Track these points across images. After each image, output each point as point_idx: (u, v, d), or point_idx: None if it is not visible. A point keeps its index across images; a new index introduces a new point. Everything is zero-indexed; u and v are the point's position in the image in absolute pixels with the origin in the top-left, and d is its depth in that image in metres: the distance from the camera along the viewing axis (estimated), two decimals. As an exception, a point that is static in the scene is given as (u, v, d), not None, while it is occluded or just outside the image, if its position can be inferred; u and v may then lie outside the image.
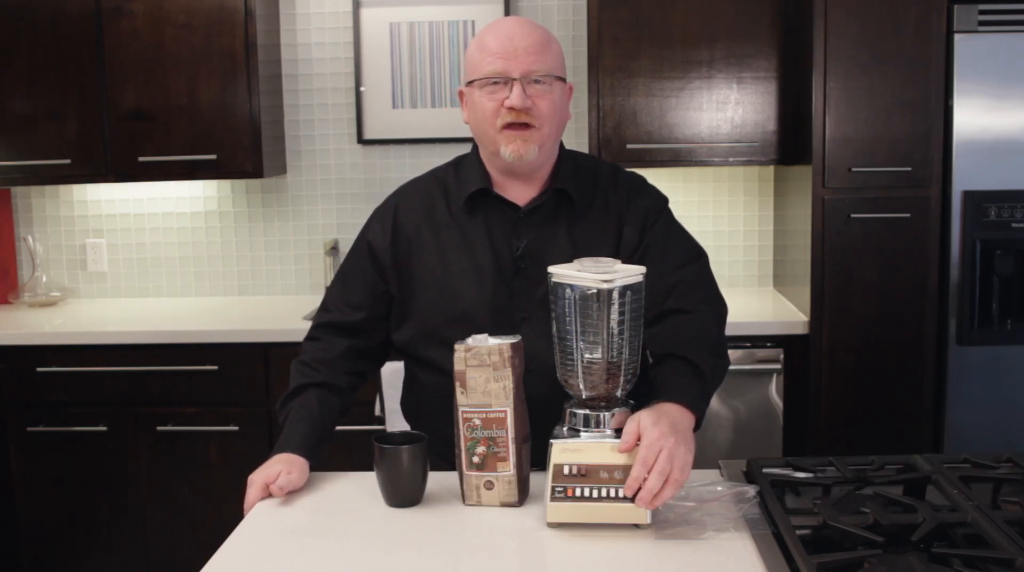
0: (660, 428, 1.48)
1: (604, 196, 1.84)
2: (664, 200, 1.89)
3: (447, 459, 1.76)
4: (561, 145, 1.87)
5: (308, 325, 3.12)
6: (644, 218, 1.83)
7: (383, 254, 1.86)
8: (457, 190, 1.85)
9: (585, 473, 1.50)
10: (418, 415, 1.94)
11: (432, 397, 1.84)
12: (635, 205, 1.83)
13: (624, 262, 1.75)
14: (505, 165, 1.78)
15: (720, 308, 1.81)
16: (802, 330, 2.97)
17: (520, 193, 1.83)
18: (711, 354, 1.69)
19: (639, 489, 1.45)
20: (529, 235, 1.80)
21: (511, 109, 1.72)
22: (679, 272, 1.78)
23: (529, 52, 1.73)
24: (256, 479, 1.67)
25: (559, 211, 1.82)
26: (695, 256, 1.83)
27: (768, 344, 2.98)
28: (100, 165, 3.30)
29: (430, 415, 1.86)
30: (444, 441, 1.69)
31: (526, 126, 1.73)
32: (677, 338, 1.69)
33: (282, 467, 1.68)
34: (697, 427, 1.62)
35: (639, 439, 1.49)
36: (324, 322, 1.93)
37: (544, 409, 1.63)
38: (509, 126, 1.73)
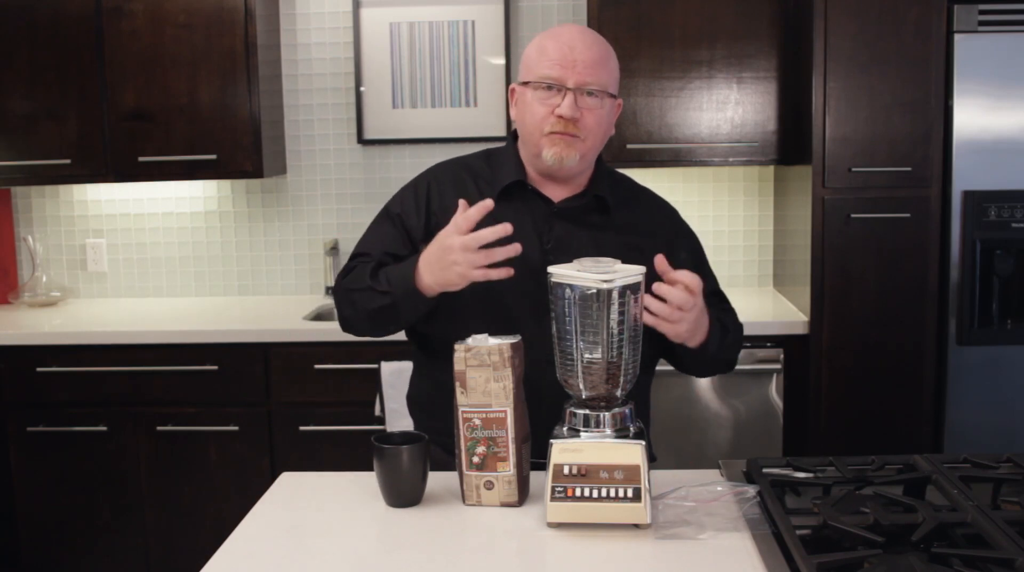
0: (700, 302, 1.64)
1: (648, 217, 1.92)
2: (699, 241, 2.03)
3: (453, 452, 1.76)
4: (600, 159, 1.90)
5: (308, 325, 3.15)
6: (697, 254, 1.95)
7: (415, 231, 1.87)
8: (490, 179, 1.88)
9: (585, 473, 1.50)
10: (430, 406, 1.93)
11: (449, 386, 1.83)
12: (691, 243, 1.96)
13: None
14: (545, 167, 1.81)
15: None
16: (802, 330, 2.97)
17: (555, 192, 1.86)
18: (735, 342, 1.88)
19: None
20: (561, 230, 1.82)
21: (560, 118, 1.75)
22: (721, 305, 1.95)
23: (587, 65, 1.75)
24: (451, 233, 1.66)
25: (592, 215, 1.85)
26: (728, 302, 1.99)
27: (768, 344, 2.98)
28: (100, 165, 3.30)
29: (443, 406, 1.86)
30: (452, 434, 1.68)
31: (571, 136, 1.77)
32: (720, 314, 1.84)
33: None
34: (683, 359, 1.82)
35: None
36: (362, 261, 1.89)
37: (562, 400, 1.63)
38: (554, 132, 1.77)
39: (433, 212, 1.87)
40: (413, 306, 1.75)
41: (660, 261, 1.61)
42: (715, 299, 1.95)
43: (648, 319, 1.59)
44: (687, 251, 1.92)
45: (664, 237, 1.89)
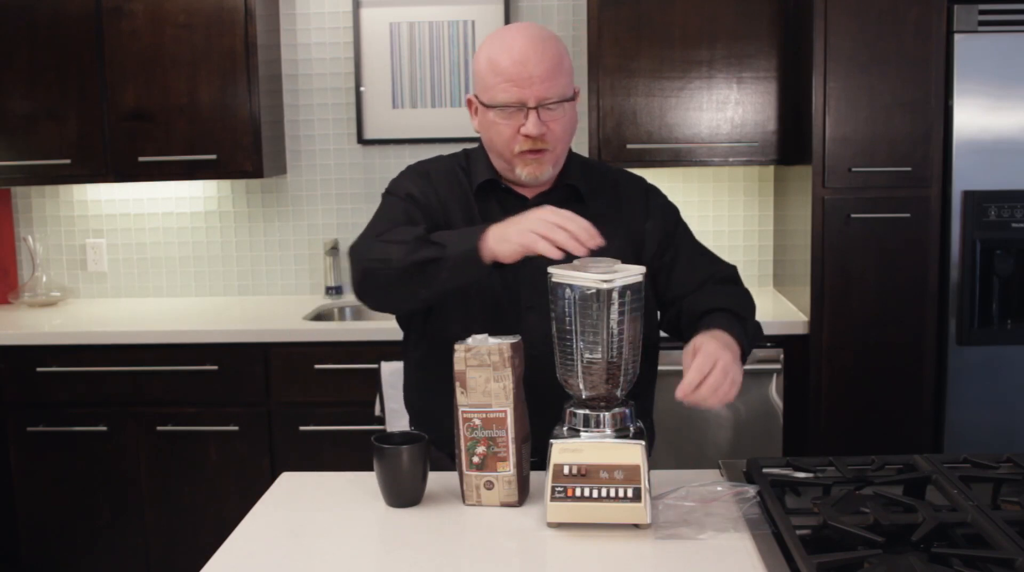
0: (718, 342, 1.59)
1: (616, 193, 1.90)
2: (677, 208, 1.97)
3: (448, 452, 1.76)
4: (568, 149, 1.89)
5: (308, 325, 3.15)
6: (664, 216, 1.90)
7: (425, 209, 1.84)
8: (469, 176, 1.88)
9: (585, 473, 1.50)
10: (421, 402, 1.93)
11: (432, 379, 1.84)
12: (655, 202, 1.92)
13: (651, 254, 1.84)
14: (519, 180, 1.82)
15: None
16: (802, 330, 2.97)
17: (528, 188, 1.86)
18: (752, 316, 1.82)
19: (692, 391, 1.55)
20: None
21: (527, 137, 1.74)
22: (714, 267, 1.90)
23: (544, 79, 1.73)
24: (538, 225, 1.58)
25: (567, 206, 1.79)
26: (724, 262, 1.94)
27: (768, 344, 2.98)
28: (100, 165, 3.30)
29: (430, 400, 1.86)
30: (445, 436, 1.68)
31: (541, 151, 1.77)
32: (723, 300, 1.80)
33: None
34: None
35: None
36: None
37: (549, 398, 1.63)
38: (524, 151, 1.76)
39: (435, 199, 1.86)
40: (461, 268, 1.64)
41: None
42: (704, 260, 1.91)
43: (712, 401, 1.57)
44: (654, 219, 1.88)
45: (634, 216, 1.88)
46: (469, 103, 1.85)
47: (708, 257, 1.93)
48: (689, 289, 1.85)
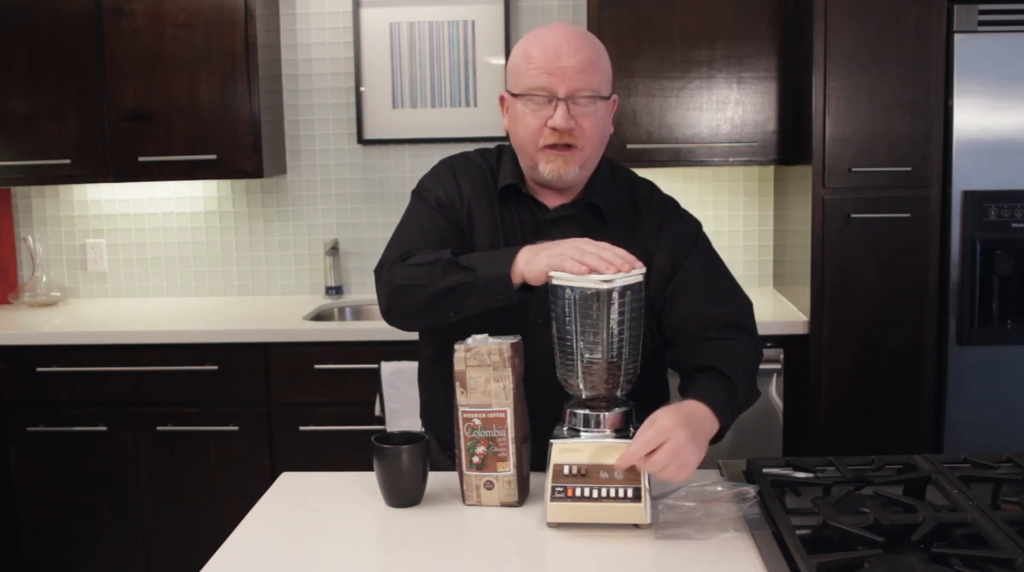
0: (675, 418, 1.48)
1: (636, 215, 1.82)
2: (698, 225, 1.86)
3: (450, 453, 1.75)
4: (602, 161, 1.83)
5: (308, 325, 3.15)
6: (677, 245, 1.80)
7: (451, 212, 1.81)
8: (495, 178, 1.83)
9: (585, 473, 1.50)
10: (431, 411, 1.91)
11: (441, 389, 1.81)
12: (668, 231, 1.81)
13: (659, 289, 1.75)
14: (543, 180, 1.75)
15: (759, 342, 1.79)
16: (802, 330, 2.97)
17: (551, 198, 1.81)
18: (745, 377, 1.67)
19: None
20: (551, 239, 1.72)
21: (554, 130, 1.69)
22: (721, 307, 1.76)
23: (576, 70, 1.68)
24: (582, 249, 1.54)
25: (586, 222, 1.79)
26: (737, 296, 1.82)
27: (768, 344, 2.98)
28: (100, 165, 3.30)
29: (443, 410, 1.85)
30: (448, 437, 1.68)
31: (568, 146, 1.71)
32: (715, 356, 1.67)
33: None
34: (718, 438, 1.59)
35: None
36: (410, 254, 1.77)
37: (557, 409, 1.62)
38: (550, 146, 1.71)
39: (462, 198, 1.82)
40: (491, 292, 1.63)
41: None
42: (710, 299, 1.78)
43: (667, 474, 1.46)
44: (662, 253, 1.79)
45: (647, 244, 1.80)
46: (501, 100, 1.80)
47: (718, 293, 1.80)
48: (685, 334, 1.74)
